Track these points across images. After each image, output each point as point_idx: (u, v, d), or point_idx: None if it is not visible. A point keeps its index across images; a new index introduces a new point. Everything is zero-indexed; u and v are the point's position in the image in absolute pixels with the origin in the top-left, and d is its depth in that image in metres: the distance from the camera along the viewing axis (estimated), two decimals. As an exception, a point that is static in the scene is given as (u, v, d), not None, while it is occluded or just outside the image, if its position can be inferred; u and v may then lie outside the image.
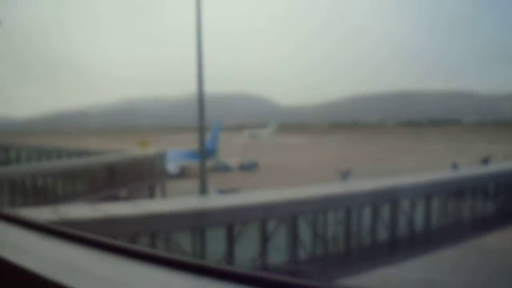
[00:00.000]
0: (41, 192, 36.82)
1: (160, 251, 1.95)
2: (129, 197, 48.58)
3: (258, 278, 1.69)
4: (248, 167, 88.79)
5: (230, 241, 17.34)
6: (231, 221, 17.27)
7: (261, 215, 17.92)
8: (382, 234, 21.60)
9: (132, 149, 56.94)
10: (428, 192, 23.05)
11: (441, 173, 28.45)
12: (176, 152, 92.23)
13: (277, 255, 19.23)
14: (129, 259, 1.87)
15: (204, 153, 41.62)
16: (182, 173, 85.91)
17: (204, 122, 39.60)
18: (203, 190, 37.04)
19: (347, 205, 20.47)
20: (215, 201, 20.10)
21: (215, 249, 18.93)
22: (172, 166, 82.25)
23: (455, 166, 40.23)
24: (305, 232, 19.65)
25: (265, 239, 18.29)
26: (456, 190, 24.04)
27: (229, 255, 17.47)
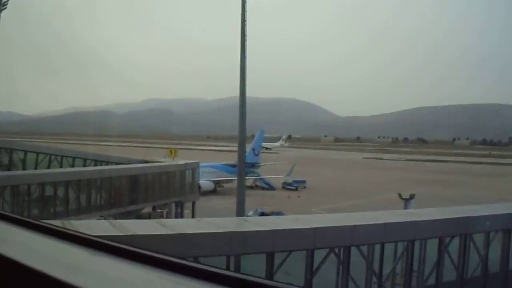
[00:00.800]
0: (49, 203, 37.06)
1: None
2: (154, 215, 49.01)
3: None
4: (294, 186, 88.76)
5: (270, 271, 17.26)
6: (272, 248, 17.17)
7: (308, 243, 17.74)
8: (450, 273, 20.99)
9: (159, 159, 57.37)
10: (509, 225, 22.25)
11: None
12: (210, 165, 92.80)
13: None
14: (131, 261, 2.08)
15: (244, 166, 41.34)
16: (217, 189, 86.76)
17: (245, 131, 39.77)
18: (240, 211, 37.06)
19: (409, 236, 20.09)
20: (254, 223, 19.97)
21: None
22: (205, 181, 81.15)
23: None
24: (358, 265, 19.42)
25: (311, 272, 18.12)
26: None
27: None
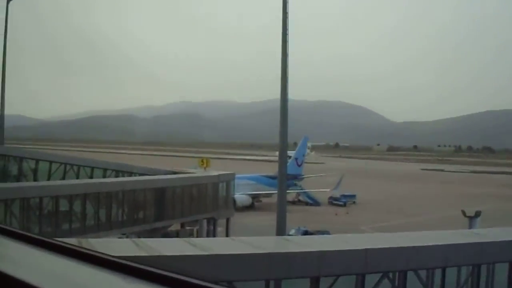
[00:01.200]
0: (63, 218, 37.10)
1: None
2: (182, 233, 49.14)
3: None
4: (342, 201, 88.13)
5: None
6: (317, 272, 16.95)
7: (358, 266, 17.49)
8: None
9: (189, 169, 57.55)
10: None
11: None
12: (247, 176, 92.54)
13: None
14: (157, 285, 2.08)
15: (285, 178, 40.71)
16: (254, 204, 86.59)
17: (286, 138, 39.56)
18: (281, 229, 36.79)
19: (474, 260, 19.63)
20: (296, 244, 19.85)
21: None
22: (241, 195, 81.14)
23: None
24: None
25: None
26: None
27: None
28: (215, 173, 53.45)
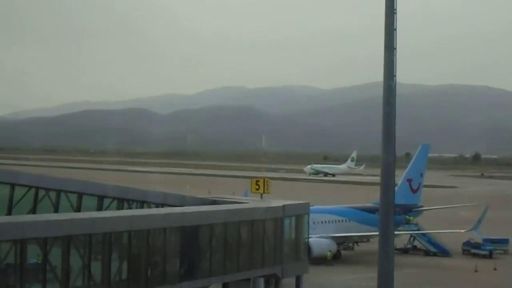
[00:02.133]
0: (31, 276, 36.10)
1: None
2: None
3: None
4: (486, 248, 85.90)
5: None
6: None
7: None
8: None
9: (234, 197, 56.78)
10: None
11: None
12: (329, 209, 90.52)
13: None
14: None
15: (393, 212, 39.69)
16: (340, 254, 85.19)
17: (394, 148, 38.63)
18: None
19: None
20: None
21: None
22: (320, 238, 78.86)
23: None
24: None
25: None
26: None
27: None
28: (278, 202, 52.61)
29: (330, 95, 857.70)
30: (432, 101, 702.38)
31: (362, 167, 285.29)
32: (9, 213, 44.18)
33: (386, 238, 37.59)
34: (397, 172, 41.37)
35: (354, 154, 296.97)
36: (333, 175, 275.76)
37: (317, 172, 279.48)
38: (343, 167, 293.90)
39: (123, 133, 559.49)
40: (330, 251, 75.67)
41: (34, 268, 36.48)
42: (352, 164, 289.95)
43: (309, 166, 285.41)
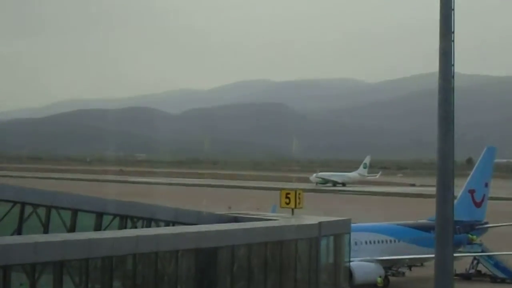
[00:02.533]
0: None
1: None
2: None
3: None
4: None
5: None
6: None
7: None
8: None
9: (260, 212, 57.05)
10: None
11: None
12: (374, 226, 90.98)
13: None
14: None
15: (452, 230, 40.21)
16: (389, 281, 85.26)
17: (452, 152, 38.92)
18: None
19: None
20: None
21: None
22: (363, 261, 78.91)
23: None
24: None
25: None
26: None
27: None
28: (313, 219, 52.84)
29: (377, 87, 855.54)
30: (494, 97, 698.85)
31: (378, 175, 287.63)
32: None
33: (443, 262, 37.79)
34: (456, 182, 41.51)
35: (367, 160, 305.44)
36: (344, 184, 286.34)
37: (324, 181, 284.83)
38: (354, 174, 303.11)
39: (124, 136, 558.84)
40: (380, 276, 75.70)
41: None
42: (365, 172, 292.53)
43: (314, 175, 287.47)
